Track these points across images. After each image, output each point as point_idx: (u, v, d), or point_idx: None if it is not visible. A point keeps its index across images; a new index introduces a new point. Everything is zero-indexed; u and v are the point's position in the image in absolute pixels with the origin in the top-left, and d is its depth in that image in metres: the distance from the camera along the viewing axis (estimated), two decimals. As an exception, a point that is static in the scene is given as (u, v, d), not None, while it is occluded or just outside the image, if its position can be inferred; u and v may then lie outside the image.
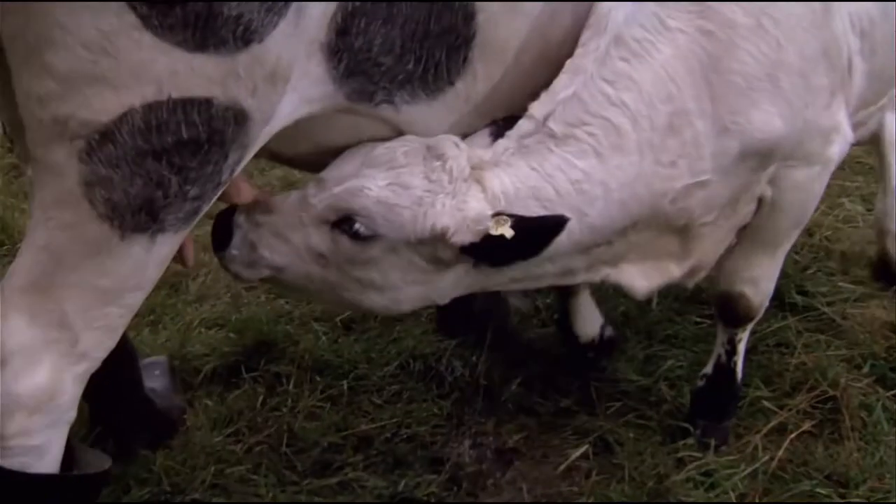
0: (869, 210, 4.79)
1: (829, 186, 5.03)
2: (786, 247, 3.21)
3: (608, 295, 4.11)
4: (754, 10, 2.67)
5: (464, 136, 2.68)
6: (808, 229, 4.64)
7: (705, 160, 2.72)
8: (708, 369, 3.45)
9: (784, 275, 4.24)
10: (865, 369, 3.70)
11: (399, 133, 2.63)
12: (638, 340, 3.94)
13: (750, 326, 3.38)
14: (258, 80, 2.18)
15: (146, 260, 2.27)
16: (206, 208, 2.33)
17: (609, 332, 3.81)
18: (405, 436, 3.46)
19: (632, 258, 2.92)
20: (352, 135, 2.63)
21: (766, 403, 3.54)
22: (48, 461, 2.33)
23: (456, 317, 3.90)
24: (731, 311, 3.29)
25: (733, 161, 2.76)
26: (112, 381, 2.95)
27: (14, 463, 2.27)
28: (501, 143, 2.64)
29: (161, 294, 4.17)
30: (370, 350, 3.90)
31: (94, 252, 2.20)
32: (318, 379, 3.73)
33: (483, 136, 2.69)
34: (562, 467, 3.33)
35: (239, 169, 2.34)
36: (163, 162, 2.13)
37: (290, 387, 3.69)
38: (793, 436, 3.36)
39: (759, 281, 3.21)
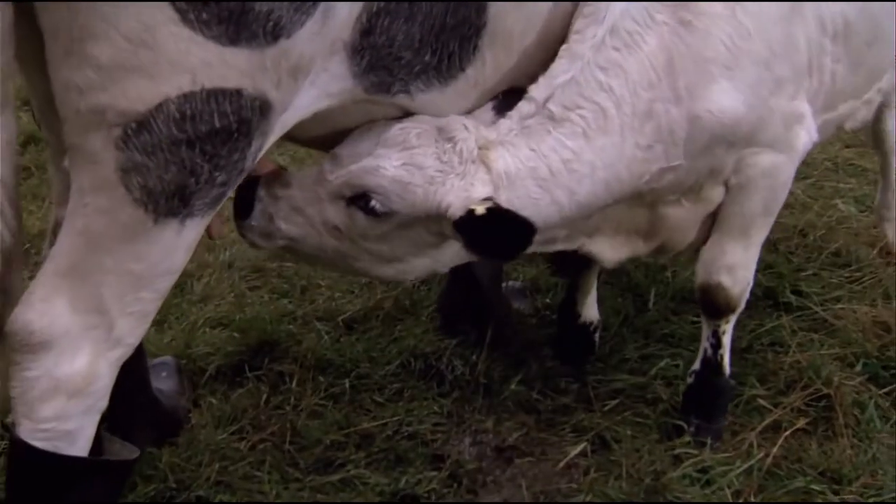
0: (862, 211, 4.83)
1: (822, 188, 5.18)
2: (759, 236, 3.30)
3: (606, 295, 4.16)
4: (730, 2, 2.84)
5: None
6: (802, 230, 4.71)
7: (679, 146, 2.88)
8: (696, 365, 3.51)
9: (778, 275, 4.31)
10: (858, 368, 3.73)
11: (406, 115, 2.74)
12: (635, 340, 3.98)
13: (733, 319, 3.42)
14: (283, 73, 2.29)
15: (176, 244, 2.36)
16: (229, 193, 2.43)
17: (598, 332, 3.89)
18: (406, 433, 3.48)
19: (605, 230, 3.11)
20: (364, 119, 2.74)
21: (760, 401, 3.57)
22: (79, 448, 2.40)
23: (457, 316, 3.95)
24: (711, 301, 3.36)
25: (703, 147, 2.91)
26: (120, 378, 2.98)
27: (46, 447, 2.34)
28: (505, 123, 2.77)
29: (166, 294, 4.20)
30: (372, 349, 3.93)
31: (129, 236, 2.29)
32: (320, 378, 3.76)
33: (487, 110, 2.83)
34: (560, 464, 3.35)
35: (259, 156, 2.45)
36: (196, 150, 2.23)
37: (293, 385, 3.71)
38: (787, 433, 3.39)
39: (736, 270, 3.28)
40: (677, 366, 3.77)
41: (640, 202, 3.06)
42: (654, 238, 3.22)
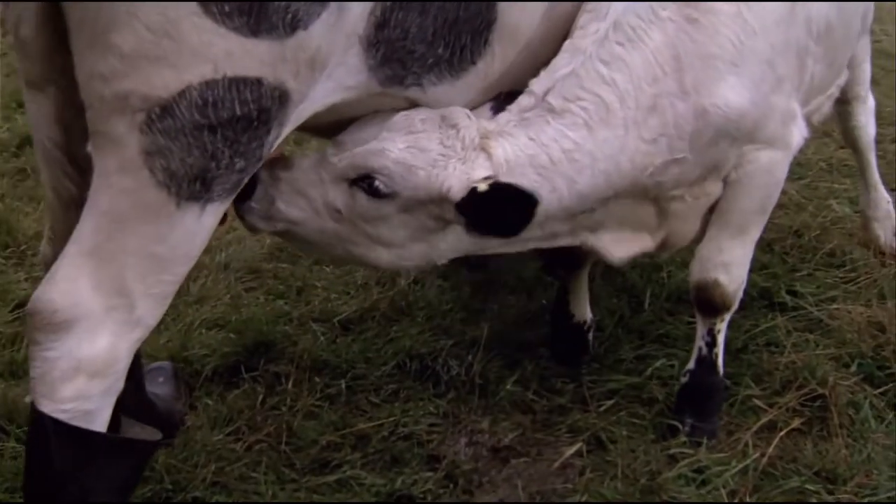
0: (857, 212, 4.83)
1: (817, 189, 5.19)
2: (754, 234, 3.33)
3: (601, 295, 4.17)
4: (736, 1, 2.91)
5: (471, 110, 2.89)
6: (797, 230, 4.72)
7: (684, 139, 2.94)
8: (691, 364, 3.51)
9: (774, 275, 4.32)
10: (853, 368, 3.74)
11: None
12: (630, 340, 3.99)
13: (727, 317, 3.44)
14: (301, 64, 2.37)
15: (196, 229, 2.44)
16: (245, 181, 2.51)
17: (592, 331, 3.90)
18: (402, 434, 3.48)
19: (610, 226, 3.13)
20: (372, 110, 2.81)
21: (756, 402, 3.57)
22: (97, 429, 2.44)
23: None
24: (707, 299, 3.37)
25: (708, 141, 2.97)
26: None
27: None
28: (504, 115, 2.87)
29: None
30: (367, 350, 3.94)
31: (152, 218, 2.36)
32: (316, 378, 3.76)
33: (485, 109, 2.91)
34: (556, 464, 3.36)
35: (275, 146, 2.53)
36: (217, 135, 2.32)
37: (289, 386, 3.72)
38: (782, 433, 3.40)
39: (731, 267, 3.31)
40: (673, 366, 3.77)
41: (645, 197, 3.10)
42: (660, 232, 3.25)
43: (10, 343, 3.97)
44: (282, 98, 2.40)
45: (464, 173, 2.75)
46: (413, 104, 2.80)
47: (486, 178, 2.74)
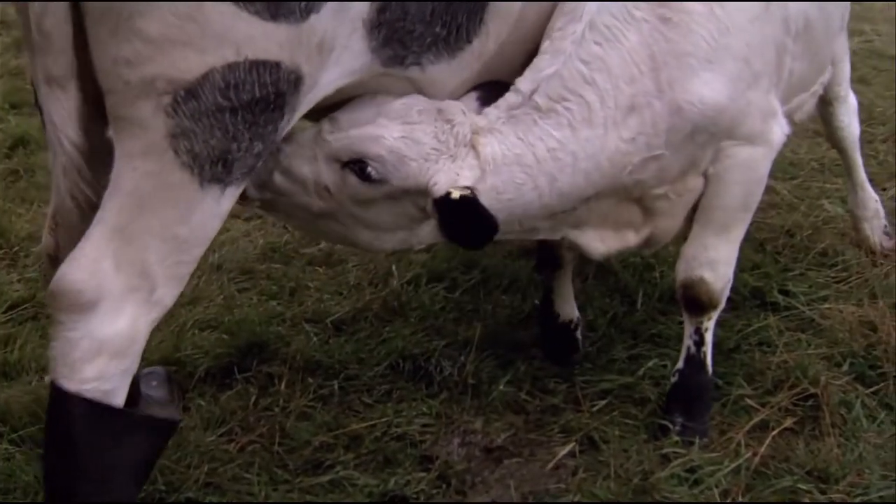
0: (848, 211, 4.85)
1: (808, 188, 5.19)
2: (738, 231, 3.36)
3: (593, 295, 4.18)
4: (708, 0, 2.97)
5: (466, 91, 2.97)
6: (788, 230, 4.72)
7: (661, 136, 2.99)
8: (680, 364, 3.52)
9: (766, 275, 4.33)
10: (845, 367, 3.74)
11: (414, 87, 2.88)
12: (623, 340, 3.99)
13: (715, 316, 3.45)
14: (312, 49, 2.44)
15: (215, 212, 2.50)
16: (258, 166, 2.56)
17: (580, 330, 3.91)
18: (395, 435, 3.48)
19: (592, 223, 3.19)
20: (373, 90, 2.86)
21: (748, 401, 3.58)
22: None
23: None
24: (694, 297, 3.39)
25: (685, 137, 3.02)
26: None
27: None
28: (493, 112, 2.92)
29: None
30: (360, 350, 3.94)
31: (176, 200, 2.42)
32: (309, 379, 3.77)
33: (470, 99, 2.97)
34: (549, 465, 3.36)
35: (287, 131, 2.61)
36: (238, 116, 2.39)
37: (282, 387, 3.72)
38: (774, 432, 3.41)
39: (717, 265, 3.34)
40: (665, 366, 3.77)
41: (628, 197, 3.14)
42: (644, 229, 3.28)
43: (3, 344, 3.96)
44: (297, 82, 2.46)
45: (451, 171, 2.81)
46: (412, 84, 2.85)
47: (465, 188, 2.78)
